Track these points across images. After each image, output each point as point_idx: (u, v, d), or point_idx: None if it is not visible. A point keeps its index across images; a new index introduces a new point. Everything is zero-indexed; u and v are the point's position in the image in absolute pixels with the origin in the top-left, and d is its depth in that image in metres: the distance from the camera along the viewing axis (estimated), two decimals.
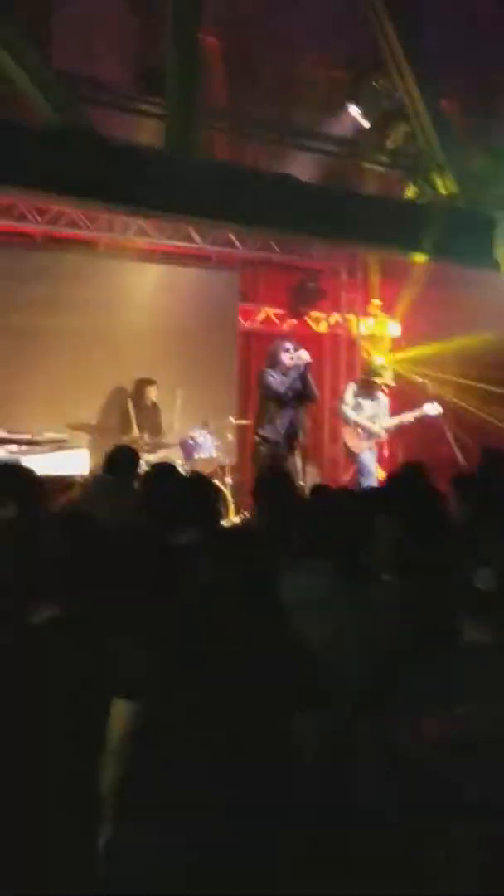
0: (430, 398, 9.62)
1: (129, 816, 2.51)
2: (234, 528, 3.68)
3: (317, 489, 5.48)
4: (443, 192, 7.69)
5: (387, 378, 9.58)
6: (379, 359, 10.85)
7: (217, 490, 3.72)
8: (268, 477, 4.80)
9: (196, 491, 3.65)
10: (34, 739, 2.58)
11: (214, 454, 9.04)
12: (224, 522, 8.79)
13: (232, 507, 9.04)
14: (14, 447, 7.88)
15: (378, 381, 9.49)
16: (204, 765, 2.43)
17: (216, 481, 8.75)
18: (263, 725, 2.47)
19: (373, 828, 2.28)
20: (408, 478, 5.06)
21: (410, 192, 8.24)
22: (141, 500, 4.19)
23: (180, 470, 8.39)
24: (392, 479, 5.24)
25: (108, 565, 3.26)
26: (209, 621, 2.54)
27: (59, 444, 8.13)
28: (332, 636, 2.88)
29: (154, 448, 8.93)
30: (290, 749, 2.53)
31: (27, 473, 3.94)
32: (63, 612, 2.69)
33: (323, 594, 3.00)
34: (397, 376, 10.47)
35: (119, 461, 5.23)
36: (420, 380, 10.10)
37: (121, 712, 2.52)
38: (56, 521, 3.02)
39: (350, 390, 9.74)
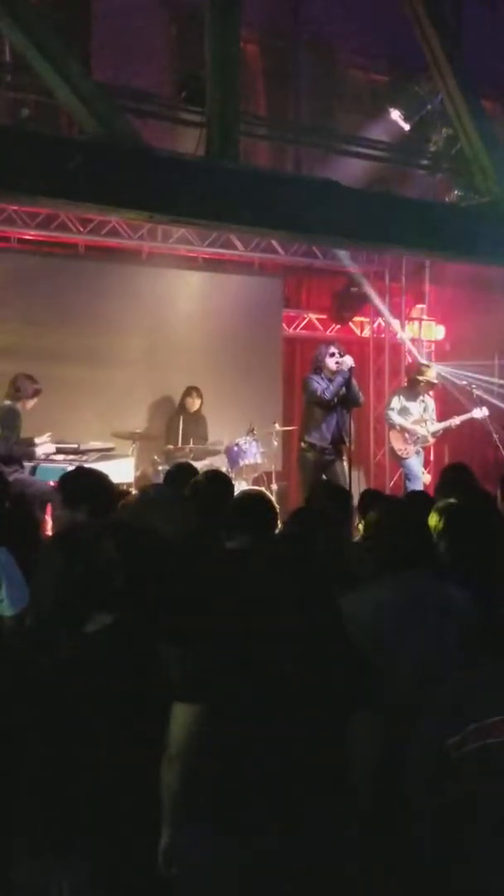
0: (477, 402, 9.55)
1: (188, 821, 2.52)
2: (290, 534, 3.66)
3: (364, 495, 5.47)
4: (486, 194, 7.60)
5: (430, 376, 9.52)
6: (423, 358, 10.80)
7: (271, 504, 3.71)
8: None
9: (250, 502, 3.64)
10: (93, 747, 2.58)
11: (260, 460, 9.03)
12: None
13: (278, 515, 9.01)
14: (61, 456, 7.93)
15: (422, 378, 9.44)
16: (263, 769, 2.43)
17: (262, 488, 8.87)
18: (321, 728, 2.47)
19: (422, 835, 2.26)
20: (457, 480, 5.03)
21: (453, 195, 8.17)
22: (194, 507, 4.19)
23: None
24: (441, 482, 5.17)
25: (163, 572, 3.28)
26: (268, 625, 2.54)
27: (105, 454, 8.17)
28: (432, 639, 2.90)
29: (200, 455, 8.95)
30: (345, 752, 2.53)
31: (102, 479, 3.95)
32: (119, 619, 2.69)
33: (418, 600, 3.01)
34: (444, 380, 10.42)
35: (177, 478, 5.21)
36: (465, 383, 10.01)
37: (180, 717, 2.52)
38: (111, 529, 3.02)
39: (396, 395, 9.70)
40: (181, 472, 5.30)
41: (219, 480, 4.60)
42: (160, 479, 8.64)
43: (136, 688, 2.60)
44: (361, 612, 2.97)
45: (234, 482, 8.50)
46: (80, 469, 4.36)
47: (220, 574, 3.07)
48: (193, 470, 5.57)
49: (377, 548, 3.21)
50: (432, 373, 9.64)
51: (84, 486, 3.78)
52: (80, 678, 2.62)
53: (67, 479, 3.94)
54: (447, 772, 2.16)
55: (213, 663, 2.53)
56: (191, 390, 9.39)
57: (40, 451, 7.67)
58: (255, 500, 3.73)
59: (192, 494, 4.36)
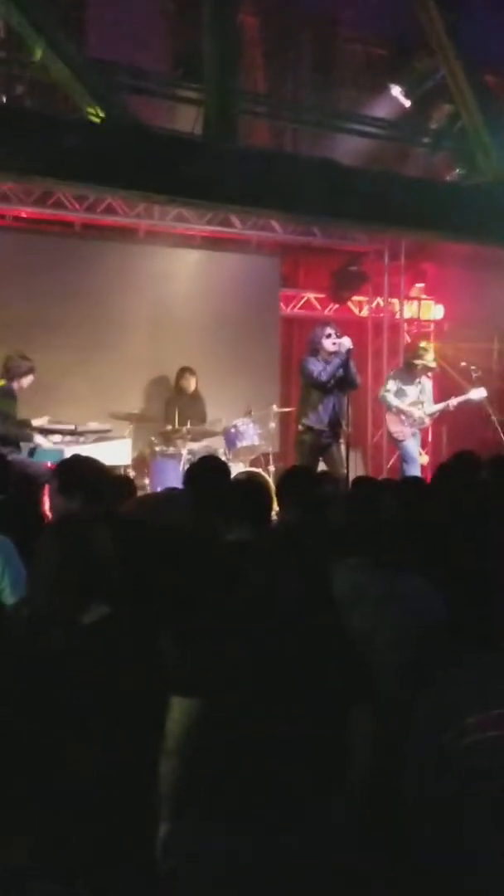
0: (476, 383, 9.51)
1: (187, 814, 2.53)
2: (287, 525, 3.64)
3: (357, 482, 5.44)
4: (488, 173, 7.51)
5: (428, 360, 9.46)
6: (423, 342, 10.74)
7: (268, 491, 3.67)
8: (292, 475, 4.73)
9: (248, 491, 3.61)
10: (89, 739, 2.56)
11: (257, 442, 9.00)
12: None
13: (274, 497, 8.99)
14: (58, 437, 7.89)
15: (419, 363, 9.38)
16: (261, 762, 2.43)
17: (260, 470, 8.84)
18: (319, 722, 2.47)
19: (424, 825, 2.25)
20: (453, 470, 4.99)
21: (454, 174, 8.07)
22: (190, 497, 4.15)
23: (223, 458, 8.46)
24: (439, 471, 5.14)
25: (161, 562, 3.25)
26: (267, 618, 2.53)
27: (102, 435, 8.13)
28: (371, 631, 2.89)
29: (197, 437, 8.91)
30: (345, 744, 2.53)
31: (97, 467, 3.92)
32: (115, 610, 2.67)
33: (362, 589, 2.99)
34: (442, 360, 10.37)
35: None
36: (464, 363, 9.96)
37: (178, 711, 2.53)
38: (108, 519, 2.99)
39: (392, 377, 9.66)
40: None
41: (215, 466, 4.55)
42: (157, 460, 8.65)
43: (133, 680, 2.58)
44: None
45: (231, 464, 8.55)
46: (75, 457, 4.32)
47: (220, 567, 3.05)
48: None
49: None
50: (430, 357, 9.58)
51: (79, 473, 3.75)
52: (76, 670, 2.59)
53: (63, 467, 3.91)
54: (445, 766, 2.15)
55: (210, 657, 2.53)
56: (184, 371, 9.33)
57: (38, 437, 7.63)
58: (253, 490, 3.70)
59: (188, 481, 4.32)
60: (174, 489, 5.14)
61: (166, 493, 4.86)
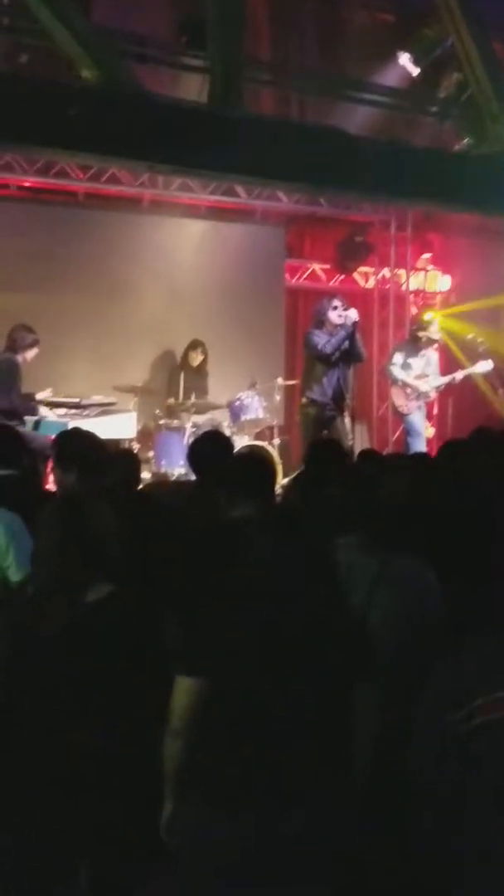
0: (482, 355, 9.45)
1: (191, 793, 2.52)
2: (290, 503, 3.61)
3: (362, 454, 5.39)
4: (497, 143, 7.42)
5: (432, 332, 9.42)
6: (428, 314, 10.67)
7: (272, 466, 3.63)
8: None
9: (250, 467, 3.57)
10: (92, 718, 2.58)
11: (262, 415, 8.97)
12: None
13: (280, 469, 8.98)
14: (62, 410, 7.87)
15: (422, 335, 9.34)
16: (265, 742, 2.42)
17: (264, 443, 8.82)
18: (322, 702, 2.47)
19: (426, 807, 2.25)
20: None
21: (463, 143, 7.97)
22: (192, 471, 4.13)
23: (227, 431, 8.43)
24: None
25: (164, 539, 3.24)
26: (270, 596, 2.51)
27: (106, 408, 8.10)
28: (365, 610, 2.84)
29: (202, 410, 8.88)
30: (350, 723, 2.53)
31: (93, 441, 3.91)
32: (118, 588, 2.67)
33: (357, 568, 2.94)
34: (449, 333, 10.31)
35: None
36: (471, 336, 9.90)
37: (182, 690, 2.51)
38: (111, 495, 2.97)
39: (398, 350, 9.61)
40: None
41: (216, 441, 4.48)
42: (161, 433, 8.63)
43: (137, 658, 2.59)
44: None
45: (235, 437, 8.54)
46: (73, 430, 4.30)
47: (222, 544, 3.02)
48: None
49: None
50: (434, 328, 9.53)
51: (75, 447, 3.75)
52: (80, 647, 2.60)
53: (58, 440, 3.91)
54: (449, 750, 2.14)
55: (211, 635, 2.51)
56: (196, 344, 9.27)
57: (43, 409, 7.61)
58: (255, 465, 3.66)
59: (190, 457, 4.28)
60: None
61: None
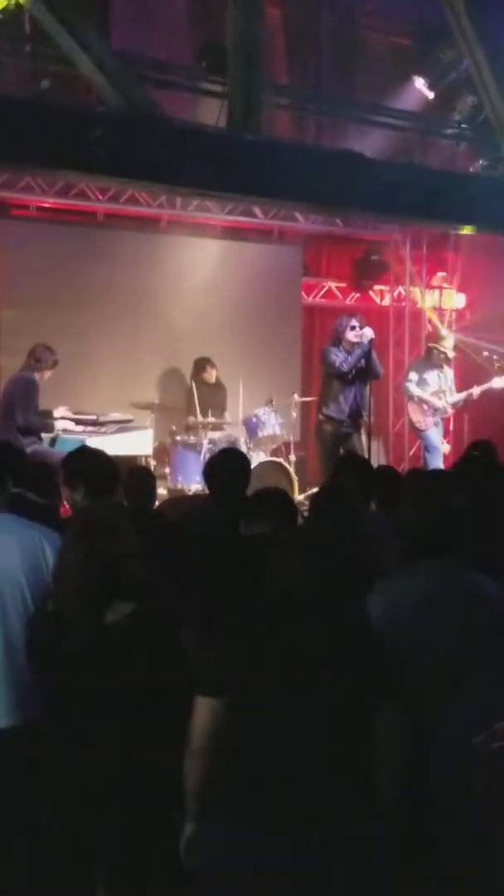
0: (498, 371, 9.49)
1: (210, 813, 2.53)
2: (315, 528, 3.60)
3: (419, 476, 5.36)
4: None
5: (446, 346, 9.49)
6: (443, 330, 10.74)
7: (288, 494, 3.65)
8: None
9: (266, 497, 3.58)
10: (112, 737, 2.60)
11: (278, 431, 9.02)
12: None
13: (297, 485, 9.04)
14: (80, 428, 7.94)
15: (437, 348, 9.42)
16: (288, 762, 2.43)
17: (281, 459, 8.88)
18: (345, 723, 2.46)
19: (452, 829, 2.27)
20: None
21: (478, 165, 8.04)
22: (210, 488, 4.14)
23: (243, 448, 8.49)
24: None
25: (183, 560, 3.28)
26: (292, 618, 2.53)
27: (123, 425, 8.17)
28: (461, 631, 2.84)
29: (218, 426, 8.95)
30: (370, 748, 2.51)
31: (100, 459, 3.92)
32: (139, 608, 2.69)
33: (429, 591, 2.93)
34: (464, 349, 10.36)
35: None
36: (487, 353, 9.95)
37: (202, 711, 2.53)
38: (133, 517, 3.00)
39: (413, 366, 9.66)
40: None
41: (233, 458, 4.40)
42: (178, 450, 8.69)
43: (156, 678, 2.61)
44: (386, 604, 2.91)
45: (252, 453, 8.60)
46: (78, 449, 4.29)
47: (242, 565, 3.05)
48: None
49: (404, 534, 3.11)
50: (449, 343, 9.60)
51: (79, 465, 3.76)
52: (100, 668, 2.62)
53: (65, 459, 3.93)
54: (473, 771, 2.17)
55: (234, 657, 2.53)
56: (203, 362, 9.34)
57: (59, 424, 7.68)
58: (272, 495, 3.66)
59: (206, 472, 4.25)
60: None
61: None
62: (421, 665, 2.81)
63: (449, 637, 2.86)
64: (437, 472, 5.85)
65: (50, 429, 7.66)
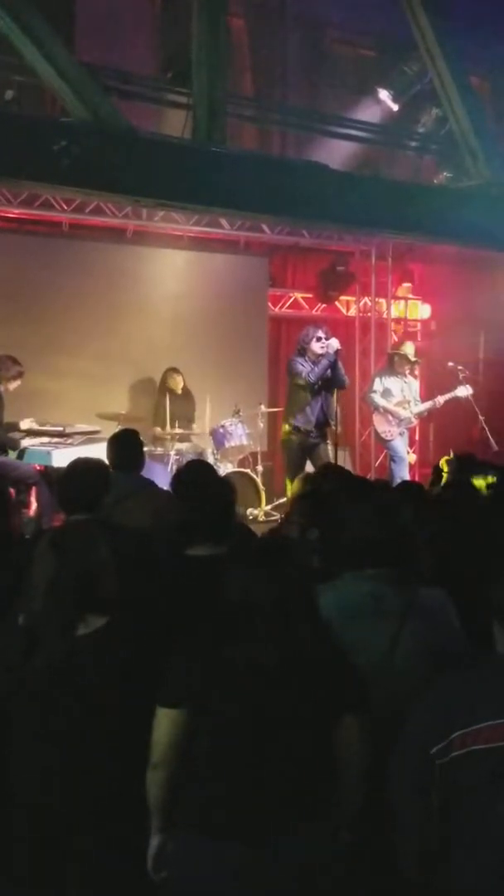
0: (462, 381, 9.56)
1: (176, 825, 2.53)
2: (266, 540, 3.58)
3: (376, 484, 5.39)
4: (475, 177, 7.55)
5: (408, 352, 9.58)
6: (407, 341, 10.83)
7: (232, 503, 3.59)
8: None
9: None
10: (83, 750, 2.60)
11: (245, 442, 9.03)
12: (255, 511, 8.86)
13: (263, 496, 9.04)
14: (46, 439, 7.88)
15: (397, 354, 9.51)
16: (250, 772, 2.44)
17: (248, 470, 8.87)
18: (307, 733, 2.48)
19: (406, 843, 2.28)
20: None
21: (441, 177, 8.12)
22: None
23: (210, 458, 8.48)
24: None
25: (149, 574, 3.26)
26: (249, 629, 2.53)
27: (90, 436, 8.12)
28: (384, 644, 2.88)
29: (185, 437, 8.93)
30: (334, 755, 2.53)
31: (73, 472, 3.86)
32: (111, 621, 2.69)
33: (375, 602, 2.97)
34: (430, 360, 10.43)
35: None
36: (451, 363, 10.02)
37: (163, 722, 2.52)
38: (106, 531, 2.99)
39: (377, 377, 9.72)
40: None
41: (200, 470, 4.37)
42: (146, 461, 8.63)
43: (127, 692, 2.60)
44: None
45: (219, 464, 8.59)
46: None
47: (200, 578, 3.05)
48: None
49: (336, 544, 3.15)
50: (409, 349, 9.68)
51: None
52: (71, 681, 2.62)
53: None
54: (431, 780, 2.18)
55: (192, 667, 2.53)
56: (170, 371, 9.33)
57: (26, 441, 7.61)
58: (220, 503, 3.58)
59: (174, 484, 4.19)
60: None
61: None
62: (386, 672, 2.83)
63: (373, 651, 2.86)
64: (386, 484, 5.90)
65: (15, 445, 7.58)
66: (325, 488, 4.45)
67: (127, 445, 4.63)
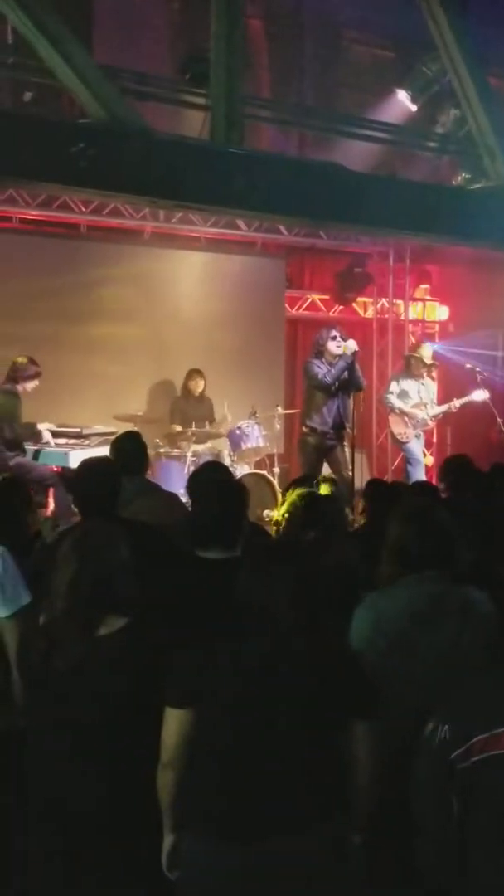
0: (480, 384, 9.53)
1: (189, 825, 2.53)
2: (280, 542, 3.55)
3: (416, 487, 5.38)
4: (494, 177, 7.52)
5: (424, 354, 9.55)
6: (425, 341, 10.80)
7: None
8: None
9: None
10: (101, 750, 2.61)
11: (262, 444, 9.03)
12: (271, 513, 8.83)
13: (279, 498, 9.01)
14: (63, 440, 7.91)
15: (414, 356, 9.49)
16: (255, 773, 2.44)
17: (265, 472, 8.86)
18: (317, 735, 2.48)
19: (426, 848, 2.26)
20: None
21: (460, 178, 8.08)
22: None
23: (227, 460, 8.47)
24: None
25: (173, 576, 3.26)
26: (260, 630, 2.54)
27: (107, 437, 8.13)
28: (450, 643, 2.90)
29: (202, 439, 8.93)
30: (343, 761, 2.53)
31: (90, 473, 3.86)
32: (131, 622, 2.70)
33: (437, 603, 2.99)
34: (445, 362, 10.40)
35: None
36: (469, 365, 9.98)
37: (172, 722, 2.53)
38: (127, 532, 2.99)
39: (395, 378, 9.70)
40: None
41: (217, 471, 4.34)
42: (161, 462, 8.66)
43: (146, 692, 2.59)
44: (375, 619, 2.96)
45: (236, 465, 8.58)
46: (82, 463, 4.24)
47: (211, 579, 3.04)
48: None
49: (395, 551, 3.13)
50: (426, 351, 9.66)
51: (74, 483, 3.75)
52: (90, 682, 2.63)
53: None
54: (451, 785, 2.16)
55: (200, 668, 2.53)
56: (193, 373, 9.33)
57: (45, 436, 7.67)
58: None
59: (190, 485, 4.18)
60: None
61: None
62: (407, 680, 2.83)
63: (436, 652, 2.88)
64: (423, 486, 5.85)
65: (39, 438, 7.64)
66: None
67: (130, 449, 4.61)
